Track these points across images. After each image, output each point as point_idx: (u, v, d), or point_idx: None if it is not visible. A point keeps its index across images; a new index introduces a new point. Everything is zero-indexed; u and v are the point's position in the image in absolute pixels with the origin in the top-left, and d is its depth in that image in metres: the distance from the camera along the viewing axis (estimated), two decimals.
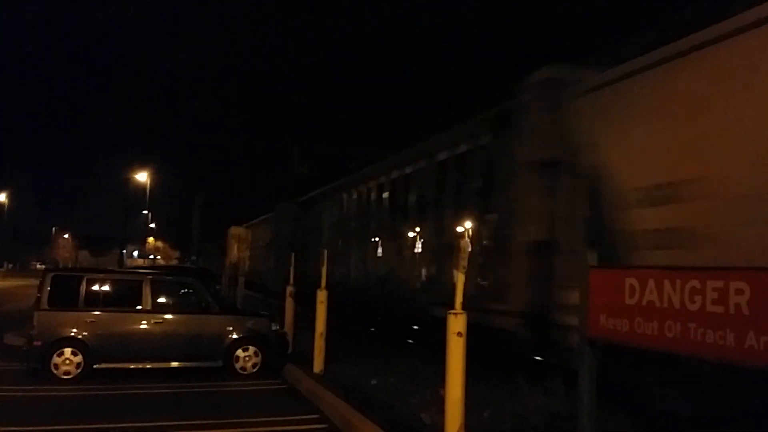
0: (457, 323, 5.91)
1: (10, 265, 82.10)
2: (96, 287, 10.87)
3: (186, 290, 11.53)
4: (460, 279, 5.94)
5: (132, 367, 10.67)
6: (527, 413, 6.13)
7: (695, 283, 3.59)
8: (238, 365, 11.04)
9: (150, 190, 48.89)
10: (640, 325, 3.87)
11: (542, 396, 6.42)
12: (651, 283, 3.84)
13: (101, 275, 11.52)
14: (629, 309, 3.95)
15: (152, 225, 79.67)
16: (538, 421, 5.89)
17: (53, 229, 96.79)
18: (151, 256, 75.82)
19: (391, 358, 11.68)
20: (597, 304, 4.24)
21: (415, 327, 15.73)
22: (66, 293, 10.60)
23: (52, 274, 11.02)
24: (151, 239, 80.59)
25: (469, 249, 5.99)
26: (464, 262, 5.91)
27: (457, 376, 5.89)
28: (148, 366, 10.74)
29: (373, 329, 17.67)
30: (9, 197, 69.40)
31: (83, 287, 10.66)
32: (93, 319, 10.55)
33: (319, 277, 10.71)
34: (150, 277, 11.49)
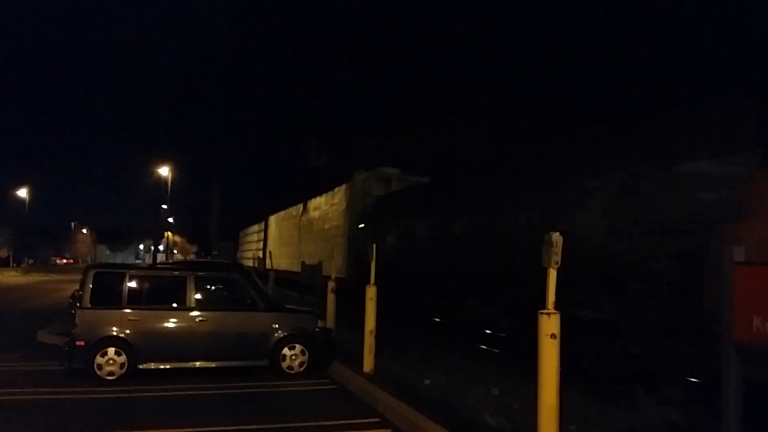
0: (550, 324, 5.48)
1: (31, 261, 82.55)
2: (138, 284, 10.46)
3: (230, 287, 11.09)
4: (551, 275, 5.53)
5: (175, 367, 10.28)
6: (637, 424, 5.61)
7: None
8: (284, 364, 10.61)
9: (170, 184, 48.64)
10: None
11: (656, 406, 5.89)
12: None
13: (144, 272, 11.12)
14: None
15: (170, 219, 79.64)
16: None
17: (72, 224, 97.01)
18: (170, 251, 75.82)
19: (431, 354, 11.29)
20: (747, 305, 3.74)
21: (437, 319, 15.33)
22: (108, 291, 10.15)
23: (94, 270, 10.53)
24: (168, 233, 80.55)
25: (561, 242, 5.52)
26: (557, 257, 5.48)
27: (551, 381, 5.46)
28: (193, 366, 10.34)
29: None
30: (28, 193, 69.66)
31: (125, 284, 10.25)
32: (136, 318, 10.13)
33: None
34: (194, 273, 10.98)
